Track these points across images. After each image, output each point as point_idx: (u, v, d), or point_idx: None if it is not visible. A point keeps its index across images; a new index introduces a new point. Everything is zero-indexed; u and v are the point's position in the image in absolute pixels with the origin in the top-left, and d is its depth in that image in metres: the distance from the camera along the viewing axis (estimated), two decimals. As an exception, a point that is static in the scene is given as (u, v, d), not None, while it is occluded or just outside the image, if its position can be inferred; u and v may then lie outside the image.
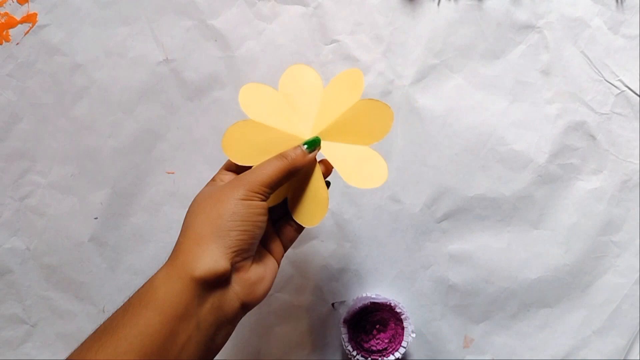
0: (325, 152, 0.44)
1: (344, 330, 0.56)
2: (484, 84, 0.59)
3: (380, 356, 0.57)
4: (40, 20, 0.59)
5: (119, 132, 0.59)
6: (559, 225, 0.60)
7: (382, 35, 0.58)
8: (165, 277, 0.36)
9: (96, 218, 0.60)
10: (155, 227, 0.60)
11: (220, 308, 0.37)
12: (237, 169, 0.43)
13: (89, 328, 0.61)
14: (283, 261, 0.59)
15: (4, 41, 0.59)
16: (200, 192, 0.41)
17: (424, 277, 0.60)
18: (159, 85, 0.59)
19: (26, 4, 0.59)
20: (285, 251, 0.45)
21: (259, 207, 0.39)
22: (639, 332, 0.60)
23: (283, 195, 0.45)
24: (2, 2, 0.59)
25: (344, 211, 0.60)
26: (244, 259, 0.39)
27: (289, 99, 0.44)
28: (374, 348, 0.57)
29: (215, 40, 0.59)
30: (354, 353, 0.56)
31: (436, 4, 0.58)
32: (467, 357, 0.60)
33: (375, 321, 0.58)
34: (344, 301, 0.60)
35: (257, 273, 0.40)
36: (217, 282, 0.37)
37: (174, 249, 0.38)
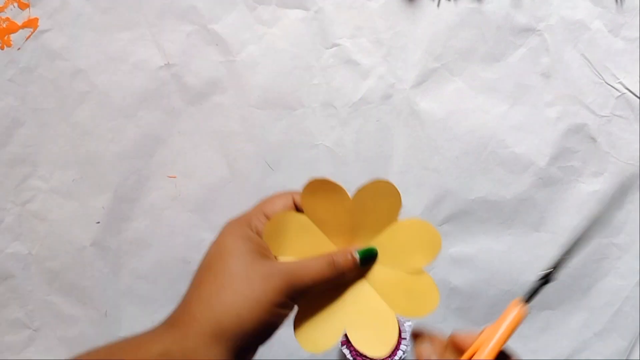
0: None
1: (342, 338, 0.57)
2: (484, 87, 0.59)
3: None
4: (41, 25, 0.59)
5: (120, 137, 0.59)
6: (560, 228, 0.60)
7: (382, 39, 0.58)
8: (165, 353, 0.31)
9: (98, 222, 0.60)
10: (157, 231, 0.60)
11: None
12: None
13: (91, 332, 0.61)
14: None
15: (5, 46, 0.59)
16: (230, 242, 0.35)
17: (425, 280, 0.60)
18: (160, 90, 0.59)
19: (27, 9, 0.59)
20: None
21: (285, 315, 0.34)
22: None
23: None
24: (3, 7, 0.59)
25: (345, 215, 0.60)
26: (247, 356, 0.35)
27: (316, 220, 0.37)
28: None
29: (216, 45, 0.59)
30: (350, 358, 0.56)
31: (436, 7, 0.58)
32: (469, 360, 0.60)
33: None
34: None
35: None
36: None
37: (182, 314, 0.33)
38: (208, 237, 0.60)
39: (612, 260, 0.60)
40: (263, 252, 0.35)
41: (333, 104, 0.59)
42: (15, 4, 0.59)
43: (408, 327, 0.57)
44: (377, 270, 0.36)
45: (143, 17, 0.58)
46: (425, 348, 0.36)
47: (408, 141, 0.59)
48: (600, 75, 0.59)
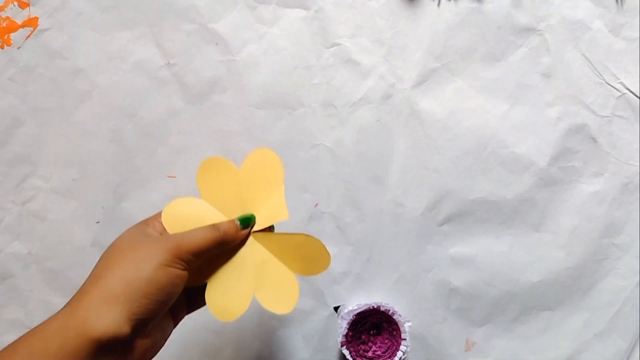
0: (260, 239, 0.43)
1: (342, 338, 0.57)
2: (484, 87, 0.59)
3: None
4: (41, 24, 0.59)
5: (120, 137, 0.59)
6: (560, 228, 0.60)
7: (382, 38, 0.58)
8: (62, 329, 0.34)
9: (98, 222, 0.60)
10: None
11: None
12: None
13: (91, 332, 0.61)
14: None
15: (5, 45, 0.59)
16: (125, 235, 0.39)
17: (425, 281, 0.60)
18: (160, 89, 0.59)
19: (27, 8, 0.59)
20: (188, 313, 0.43)
21: (179, 276, 0.37)
22: (640, 334, 0.60)
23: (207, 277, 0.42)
24: (3, 7, 0.59)
25: (346, 215, 0.60)
26: (146, 325, 0.36)
27: (246, 182, 0.43)
28: (370, 354, 0.58)
29: (217, 44, 0.59)
30: (350, 358, 0.56)
31: (437, 7, 0.58)
32: (469, 360, 0.60)
33: (372, 328, 0.58)
34: (344, 305, 0.60)
35: (153, 339, 0.38)
36: (114, 347, 0.34)
37: (77, 295, 0.36)
38: (208, 236, 0.60)
39: (613, 261, 0.60)
40: (155, 235, 0.39)
41: (333, 104, 0.59)
42: (16, 3, 0.59)
43: (408, 327, 0.57)
44: (274, 239, 0.42)
45: (143, 16, 0.58)
46: None
47: (408, 141, 0.59)
48: (601, 75, 0.58)
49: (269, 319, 0.60)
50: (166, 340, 0.40)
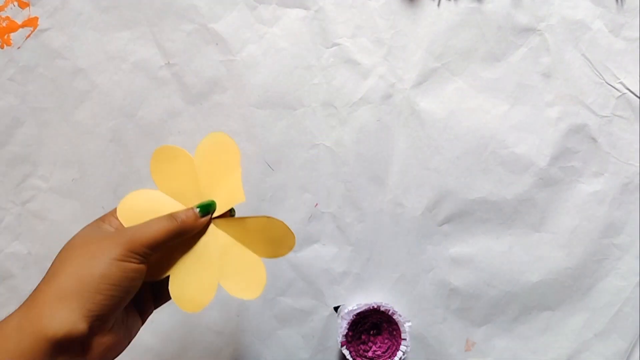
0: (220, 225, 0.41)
1: (342, 338, 0.57)
2: (484, 87, 0.59)
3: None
4: (41, 24, 0.59)
5: (120, 137, 0.59)
6: (560, 228, 0.60)
7: (383, 38, 0.58)
8: (18, 328, 0.33)
9: (98, 222, 0.60)
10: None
11: None
12: None
13: (90, 332, 0.61)
14: (284, 265, 0.59)
15: (5, 45, 0.59)
16: (80, 233, 0.38)
17: (425, 281, 0.60)
18: (160, 89, 0.59)
19: (27, 8, 0.59)
20: (156, 308, 0.42)
21: (135, 270, 0.36)
22: (640, 334, 0.60)
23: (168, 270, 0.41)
24: (3, 7, 0.59)
25: (346, 215, 0.60)
26: (104, 322, 0.36)
27: (201, 168, 0.41)
28: (370, 354, 0.58)
29: (217, 44, 0.59)
30: (350, 358, 0.56)
31: (437, 7, 0.58)
32: (469, 360, 0.60)
33: (372, 328, 0.58)
34: (344, 305, 0.60)
35: (115, 336, 0.37)
36: (71, 345, 0.34)
37: (32, 295, 0.35)
38: (208, 236, 0.60)
39: (613, 261, 0.60)
40: (110, 230, 0.38)
41: (333, 104, 0.59)
42: (16, 3, 0.59)
43: (408, 327, 0.57)
44: (230, 222, 0.41)
45: (143, 16, 0.58)
46: None
47: (408, 141, 0.59)
48: (601, 75, 0.58)
49: (268, 319, 0.60)
50: (132, 337, 0.39)
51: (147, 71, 0.59)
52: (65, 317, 0.33)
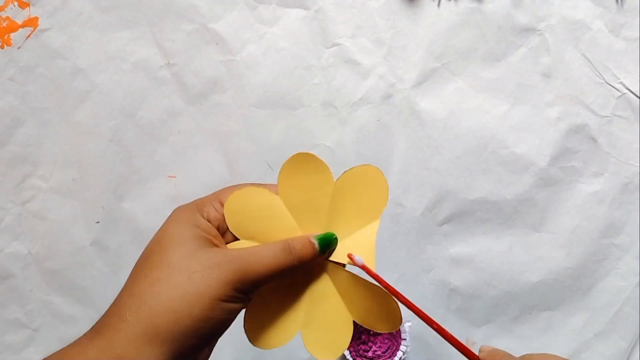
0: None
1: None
2: (484, 87, 0.59)
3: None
4: (41, 24, 0.59)
5: (120, 137, 0.59)
6: (560, 228, 0.60)
7: (383, 38, 0.58)
8: None
9: (98, 222, 0.60)
10: (156, 231, 0.60)
11: None
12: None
13: (91, 332, 0.61)
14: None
15: (5, 45, 0.59)
16: (174, 231, 0.31)
17: (425, 281, 0.60)
18: (160, 89, 0.59)
19: (27, 8, 0.59)
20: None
21: (237, 311, 0.30)
22: (640, 334, 0.60)
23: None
24: (3, 7, 0.59)
25: (346, 215, 0.60)
26: None
27: (339, 196, 0.34)
28: (371, 354, 0.58)
29: (217, 44, 0.59)
30: (350, 358, 0.56)
31: (437, 7, 0.58)
32: (469, 360, 0.60)
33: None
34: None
35: None
36: None
37: (114, 321, 0.29)
38: (208, 236, 0.60)
39: (613, 261, 0.60)
40: (212, 240, 0.31)
41: (333, 104, 0.59)
42: (16, 3, 0.59)
43: (408, 327, 0.57)
44: (342, 272, 0.34)
45: (143, 16, 0.58)
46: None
47: (408, 141, 0.59)
48: (601, 75, 0.58)
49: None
50: None
51: (147, 71, 0.59)
52: None
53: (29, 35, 0.59)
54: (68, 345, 0.29)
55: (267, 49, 0.59)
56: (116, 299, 0.30)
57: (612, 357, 0.60)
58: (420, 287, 0.60)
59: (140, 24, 0.59)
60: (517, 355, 0.32)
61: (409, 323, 0.57)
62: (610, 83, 0.59)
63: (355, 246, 0.34)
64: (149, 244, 0.31)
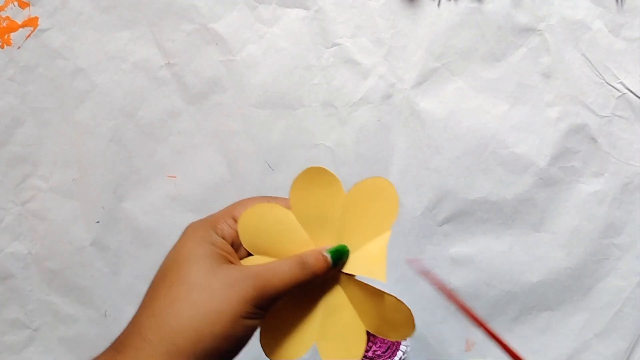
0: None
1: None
2: (484, 87, 0.59)
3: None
4: (41, 24, 0.59)
5: (120, 137, 0.59)
6: (561, 228, 0.60)
7: (383, 38, 0.58)
8: None
9: (98, 222, 0.60)
10: (157, 231, 0.60)
11: None
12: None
13: (90, 332, 0.61)
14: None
15: (5, 45, 0.59)
16: (190, 250, 0.31)
17: (425, 281, 0.60)
18: (160, 89, 0.59)
19: (27, 8, 0.59)
20: None
21: (254, 327, 0.31)
22: (640, 334, 0.60)
23: None
24: (3, 7, 0.59)
25: (346, 215, 0.60)
26: None
27: (349, 208, 0.34)
28: (370, 354, 0.58)
29: (217, 44, 0.59)
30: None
31: (437, 7, 0.58)
32: (469, 360, 0.60)
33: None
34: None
35: None
36: None
37: (135, 341, 0.29)
38: (208, 236, 0.60)
39: (613, 261, 0.60)
40: (227, 257, 0.32)
41: (333, 104, 0.59)
42: (16, 3, 0.59)
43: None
44: (354, 282, 0.35)
45: (143, 16, 0.58)
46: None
47: (408, 141, 0.59)
48: (601, 75, 0.58)
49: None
50: None
51: (147, 71, 0.59)
52: None
53: (29, 35, 0.59)
54: None
55: (267, 49, 0.59)
56: (135, 318, 0.30)
57: (612, 357, 0.60)
58: (421, 287, 0.60)
59: (140, 24, 0.59)
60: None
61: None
62: (610, 83, 0.59)
63: (367, 257, 0.34)
64: (164, 261, 0.32)
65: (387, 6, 0.58)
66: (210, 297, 0.29)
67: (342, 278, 0.35)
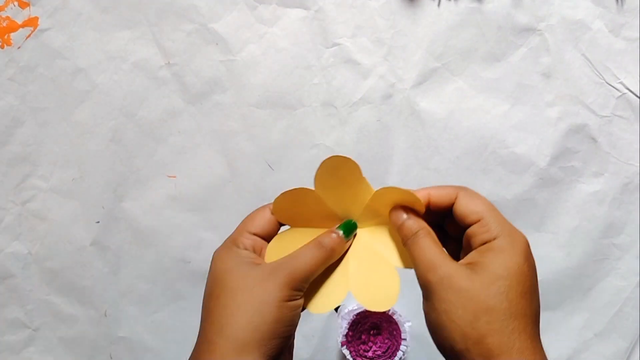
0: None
1: (342, 338, 0.57)
2: (485, 87, 0.59)
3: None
4: (41, 24, 0.59)
5: (120, 136, 0.59)
6: (561, 228, 0.60)
7: (383, 38, 0.58)
8: None
9: (98, 222, 0.60)
10: (157, 231, 0.60)
11: None
12: (263, 233, 0.38)
13: (91, 332, 0.61)
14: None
15: (5, 45, 0.59)
16: (224, 267, 0.36)
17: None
18: (160, 89, 0.59)
19: (27, 8, 0.59)
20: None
21: (299, 306, 0.36)
22: (640, 334, 0.60)
23: None
24: (3, 7, 0.59)
25: (346, 215, 0.60)
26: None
27: (376, 201, 0.38)
28: (371, 354, 0.58)
29: (217, 44, 0.59)
30: (350, 358, 0.56)
31: (437, 7, 0.58)
32: (469, 360, 0.60)
33: (372, 328, 0.58)
34: (344, 305, 0.60)
35: None
36: None
37: (204, 347, 0.34)
38: (208, 237, 0.60)
39: (613, 261, 0.60)
40: (254, 261, 0.37)
41: (333, 104, 0.59)
42: (16, 3, 0.59)
43: (408, 327, 0.57)
44: (377, 233, 0.39)
45: (143, 16, 0.58)
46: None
47: (408, 141, 0.59)
48: (601, 75, 0.58)
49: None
50: None
51: (147, 71, 0.59)
52: None
53: (29, 35, 0.59)
54: None
55: (267, 49, 0.59)
56: (200, 332, 0.35)
57: (612, 357, 0.60)
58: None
59: (140, 24, 0.59)
60: None
61: (409, 323, 0.57)
62: (610, 83, 0.59)
63: (375, 235, 0.39)
64: (206, 285, 0.37)
65: (387, 6, 0.58)
66: (252, 294, 0.34)
67: (362, 232, 0.39)
